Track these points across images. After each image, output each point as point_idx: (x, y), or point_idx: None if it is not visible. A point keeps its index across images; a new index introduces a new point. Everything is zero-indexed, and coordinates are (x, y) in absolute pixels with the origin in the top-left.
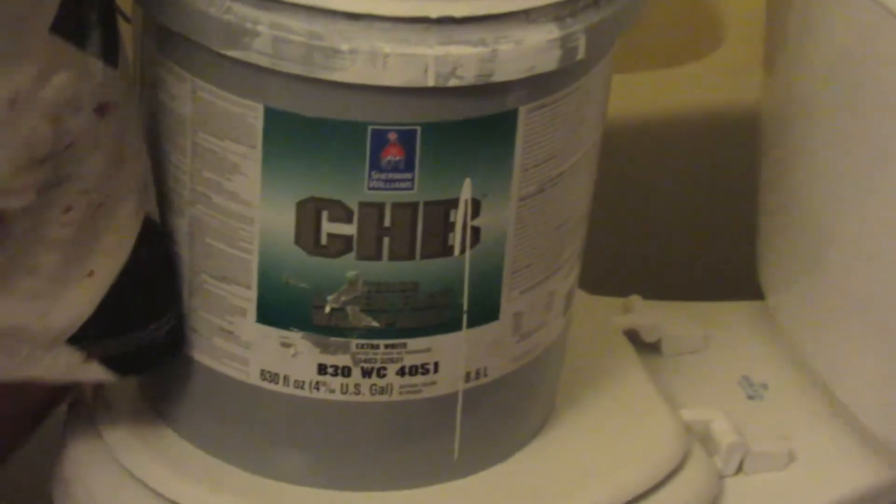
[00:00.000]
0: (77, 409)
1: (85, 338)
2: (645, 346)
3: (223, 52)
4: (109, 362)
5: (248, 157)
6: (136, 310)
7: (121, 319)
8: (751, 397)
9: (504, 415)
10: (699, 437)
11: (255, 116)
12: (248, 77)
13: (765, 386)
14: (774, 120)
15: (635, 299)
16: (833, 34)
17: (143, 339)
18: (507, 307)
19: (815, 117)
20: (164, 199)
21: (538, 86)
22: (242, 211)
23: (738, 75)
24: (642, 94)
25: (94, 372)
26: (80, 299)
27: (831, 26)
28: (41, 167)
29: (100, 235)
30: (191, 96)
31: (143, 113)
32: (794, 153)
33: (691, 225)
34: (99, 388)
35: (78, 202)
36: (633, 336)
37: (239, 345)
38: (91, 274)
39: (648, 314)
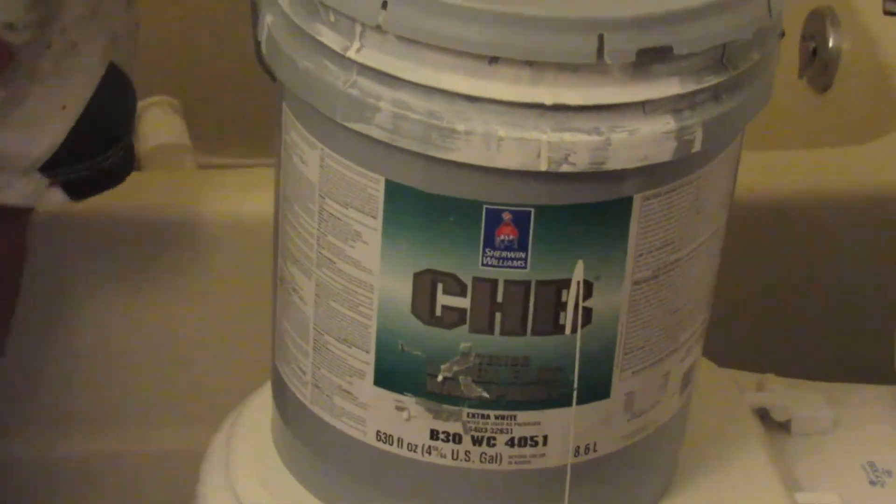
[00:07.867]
0: (211, 459)
1: (53, 165)
2: (774, 424)
3: (346, 124)
4: (69, 188)
5: (369, 227)
6: (95, 141)
7: (83, 148)
8: (873, 483)
9: (614, 490)
10: None
11: (376, 188)
12: (371, 150)
13: (889, 473)
14: None
15: (770, 378)
16: None
17: (98, 165)
18: (618, 386)
19: None
20: (295, 260)
21: (653, 175)
22: (363, 277)
23: None
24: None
25: (54, 197)
26: (55, 130)
27: None
28: (41, 3)
29: (72, 73)
30: (319, 163)
31: (280, 173)
32: None
33: (834, 304)
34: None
35: (57, 39)
36: (763, 413)
37: (357, 405)
38: (64, 107)
39: (781, 394)
